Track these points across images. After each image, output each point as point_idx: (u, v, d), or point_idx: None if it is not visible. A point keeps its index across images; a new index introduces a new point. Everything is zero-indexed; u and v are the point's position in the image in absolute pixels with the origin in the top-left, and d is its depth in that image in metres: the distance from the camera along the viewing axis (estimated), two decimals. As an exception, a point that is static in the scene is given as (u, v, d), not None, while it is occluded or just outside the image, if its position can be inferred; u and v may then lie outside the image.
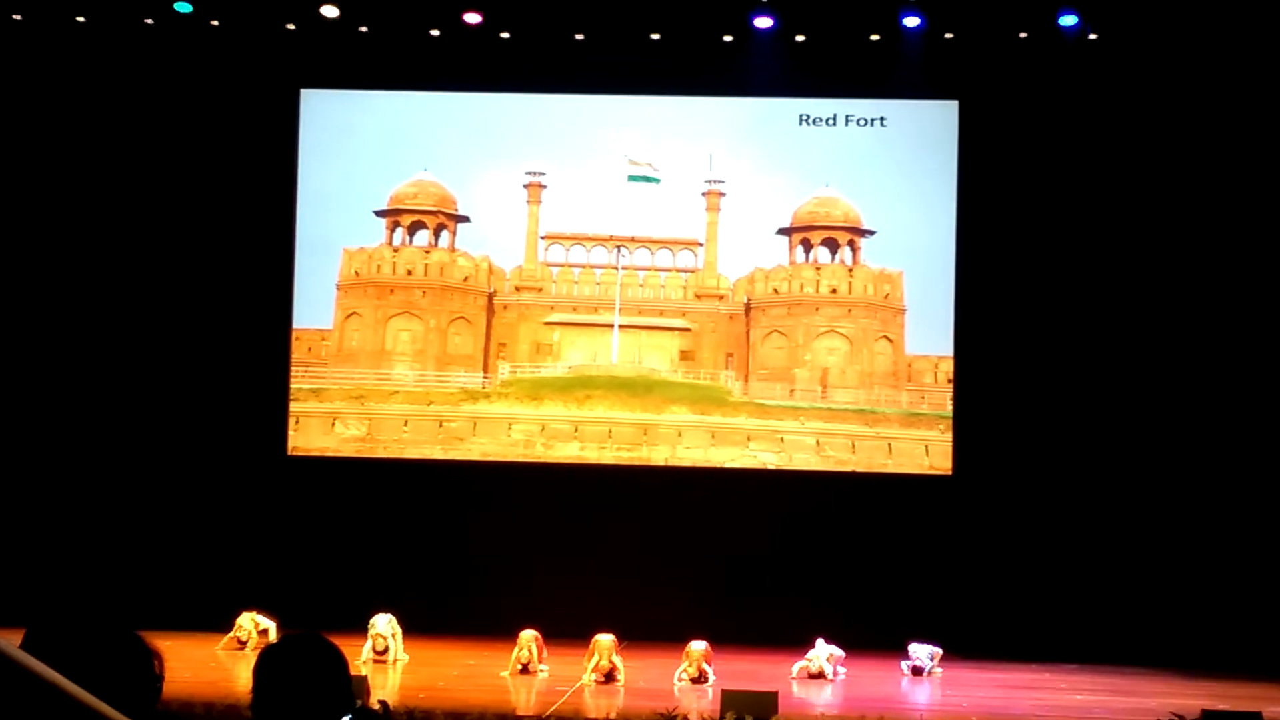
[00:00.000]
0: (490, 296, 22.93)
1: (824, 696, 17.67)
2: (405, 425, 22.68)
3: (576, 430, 22.58)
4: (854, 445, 22.19)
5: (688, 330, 22.87)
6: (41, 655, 2.55)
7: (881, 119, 22.21)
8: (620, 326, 22.82)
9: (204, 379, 21.93)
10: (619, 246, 22.87)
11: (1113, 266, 21.51)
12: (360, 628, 18.04)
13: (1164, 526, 20.97)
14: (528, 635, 18.01)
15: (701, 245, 22.82)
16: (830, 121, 22.31)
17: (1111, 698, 17.65)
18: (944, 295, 21.94)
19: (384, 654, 18.03)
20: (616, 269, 22.86)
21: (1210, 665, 19.47)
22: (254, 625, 18.72)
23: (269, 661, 3.29)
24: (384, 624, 18.27)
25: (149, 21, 21.05)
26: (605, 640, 17.64)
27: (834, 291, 22.62)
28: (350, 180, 22.66)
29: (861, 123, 22.24)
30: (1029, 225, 21.68)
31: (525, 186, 22.73)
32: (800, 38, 21.12)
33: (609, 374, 22.80)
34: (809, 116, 22.32)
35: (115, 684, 3.37)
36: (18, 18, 21.02)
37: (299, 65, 22.04)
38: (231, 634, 18.77)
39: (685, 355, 22.83)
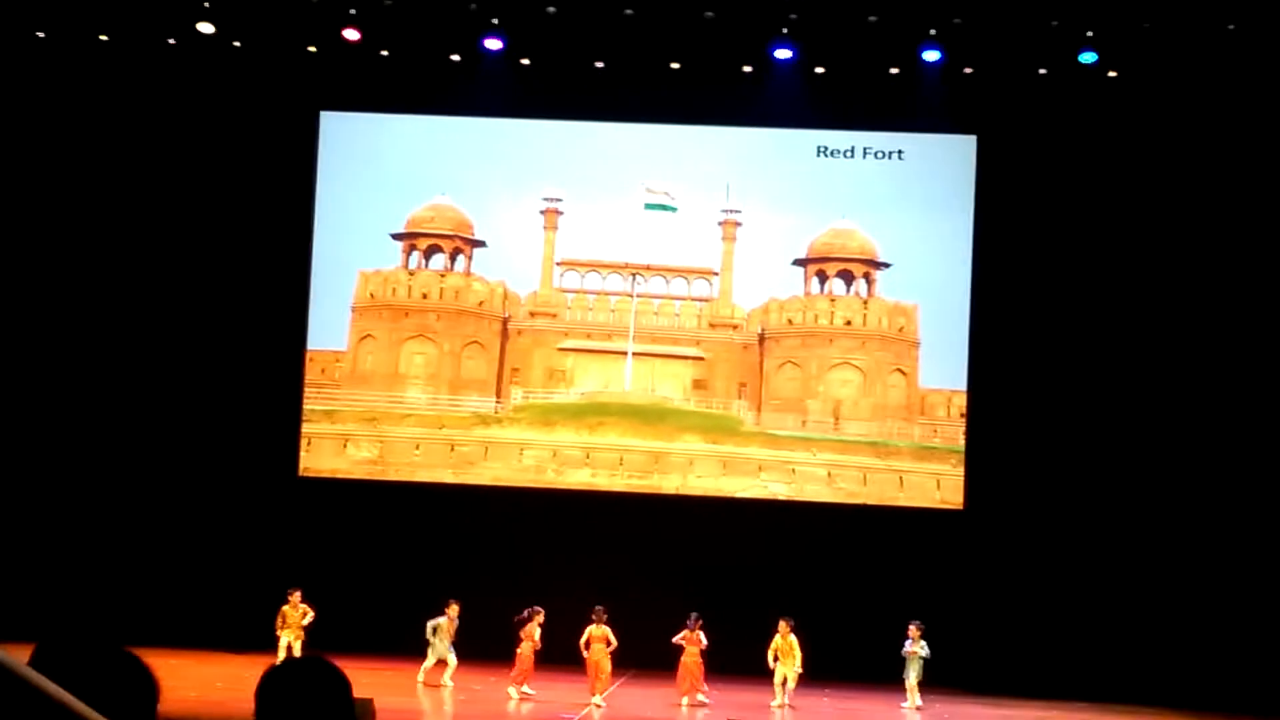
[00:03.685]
0: (505, 322, 22.96)
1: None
2: (417, 449, 22.71)
3: (588, 457, 22.58)
4: (865, 478, 22.16)
5: (701, 359, 22.88)
6: (48, 671, 2.55)
7: (899, 152, 22.23)
8: (634, 354, 22.83)
9: (218, 398, 21.96)
10: (634, 274, 22.90)
11: (1129, 304, 21.48)
12: (367, 649, 17.96)
13: (1176, 566, 20.87)
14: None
15: (716, 275, 22.84)
16: (848, 154, 22.33)
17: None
18: (959, 329, 21.92)
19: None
20: (631, 296, 22.89)
21: (1223, 706, 19.37)
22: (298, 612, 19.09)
23: (272, 684, 3.27)
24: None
25: (171, 41, 21.14)
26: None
27: (848, 324, 22.62)
28: (367, 202, 22.74)
29: (879, 155, 22.25)
30: (1045, 261, 21.67)
31: (542, 212, 22.79)
32: (820, 69, 21.12)
33: (622, 401, 22.80)
34: (827, 148, 22.34)
35: (113, 703, 3.38)
36: (41, 35, 21.12)
37: (319, 87, 22.12)
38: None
39: (698, 384, 22.84)
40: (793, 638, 18.68)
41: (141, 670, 3.45)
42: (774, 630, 18.78)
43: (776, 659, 18.64)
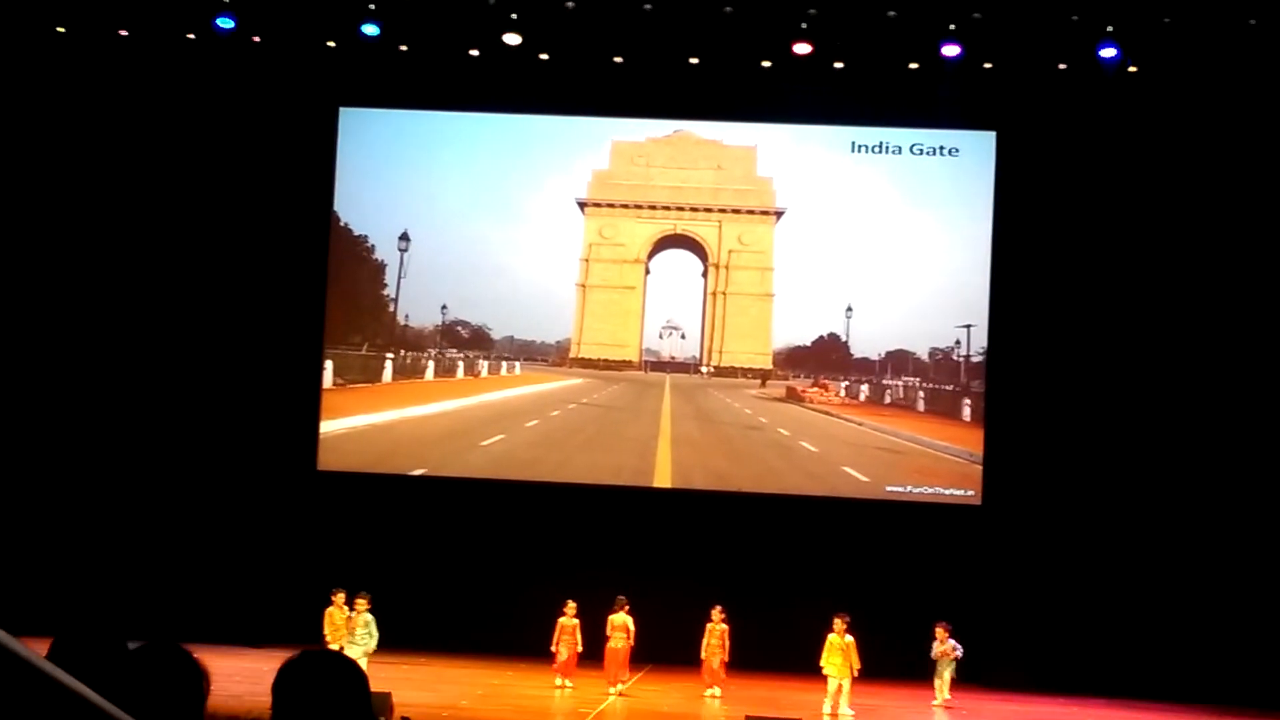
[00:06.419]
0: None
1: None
2: (438, 443, 22.72)
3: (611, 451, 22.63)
4: (884, 471, 22.07)
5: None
6: (66, 665, 2.56)
7: (915, 147, 22.11)
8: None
9: (235, 393, 21.95)
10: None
11: (1149, 299, 21.40)
12: (383, 644, 17.95)
13: (1194, 562, 20.80)
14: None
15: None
16: (877, 149, 22.19)
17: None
18: (978, 324, 21.87)
19: None
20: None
21: (1246, 702, 19.32)
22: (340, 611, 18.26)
23: (289, 677, 3.27)
24: None
25: (191, 36, 21.12)
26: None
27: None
28: (386, 199, 22.73)
29: (896, 151, 22.15)
30: (1064, 256, 21.61)
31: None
32: (839, 65, 21.02)
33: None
34: (858, 144, 22.23)
35: (158, 697, 3.39)
36: (61, 30, 21.13)
37: (338, 83, 22.10)
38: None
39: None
40: (849, 637, 17.58)
41: (190, 664, 3.48)
42: (828, 628, 17.76)
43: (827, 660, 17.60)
